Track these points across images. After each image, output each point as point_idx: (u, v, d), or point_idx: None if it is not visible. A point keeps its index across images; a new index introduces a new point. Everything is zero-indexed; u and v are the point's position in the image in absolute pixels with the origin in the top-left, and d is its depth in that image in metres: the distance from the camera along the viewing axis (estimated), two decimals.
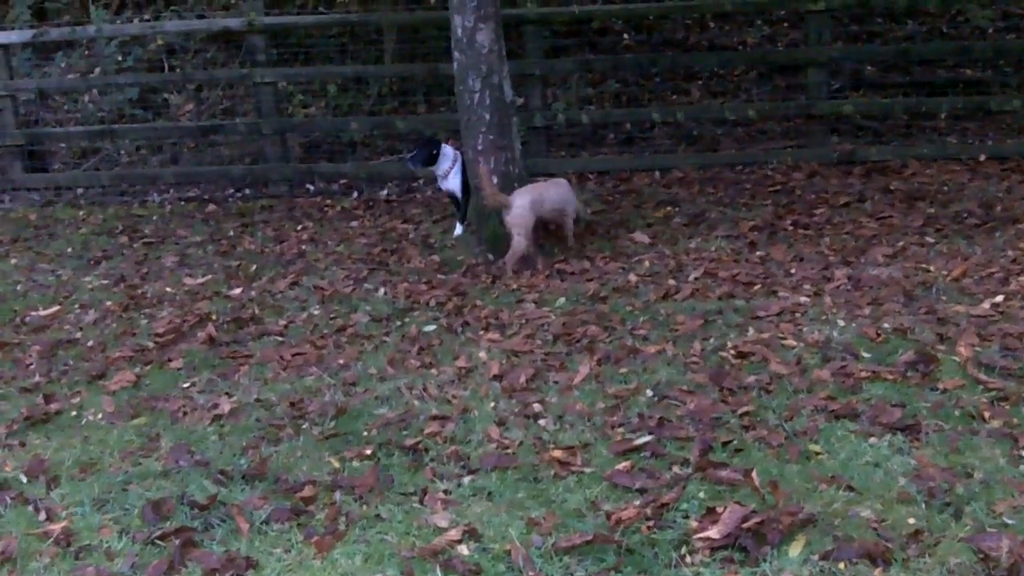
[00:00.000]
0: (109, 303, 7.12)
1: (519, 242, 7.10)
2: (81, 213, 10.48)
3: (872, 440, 4.21)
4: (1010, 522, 3.51)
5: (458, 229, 8.51)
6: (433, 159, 8.35)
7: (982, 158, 10.03)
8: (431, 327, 6.15)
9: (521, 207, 7.10)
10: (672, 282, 6.70)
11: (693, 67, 12.41)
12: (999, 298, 5.86)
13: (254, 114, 11.34)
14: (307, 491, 4.08)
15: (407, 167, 8.96)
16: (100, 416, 5.10)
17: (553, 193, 7.47)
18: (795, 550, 3.41)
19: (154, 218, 10.12)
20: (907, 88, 11.85)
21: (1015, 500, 3.63)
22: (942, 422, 4.33)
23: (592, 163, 10.82)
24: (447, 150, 8.36)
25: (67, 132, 11.76)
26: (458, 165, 8.29)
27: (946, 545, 3.39)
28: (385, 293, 6.94)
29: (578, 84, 12.05)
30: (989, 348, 5.10)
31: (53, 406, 5.23)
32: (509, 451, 4.36)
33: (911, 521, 3.55)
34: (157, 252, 8.69)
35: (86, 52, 12.71)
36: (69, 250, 8.98)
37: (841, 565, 3.30)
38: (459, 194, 8.38)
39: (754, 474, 3.89)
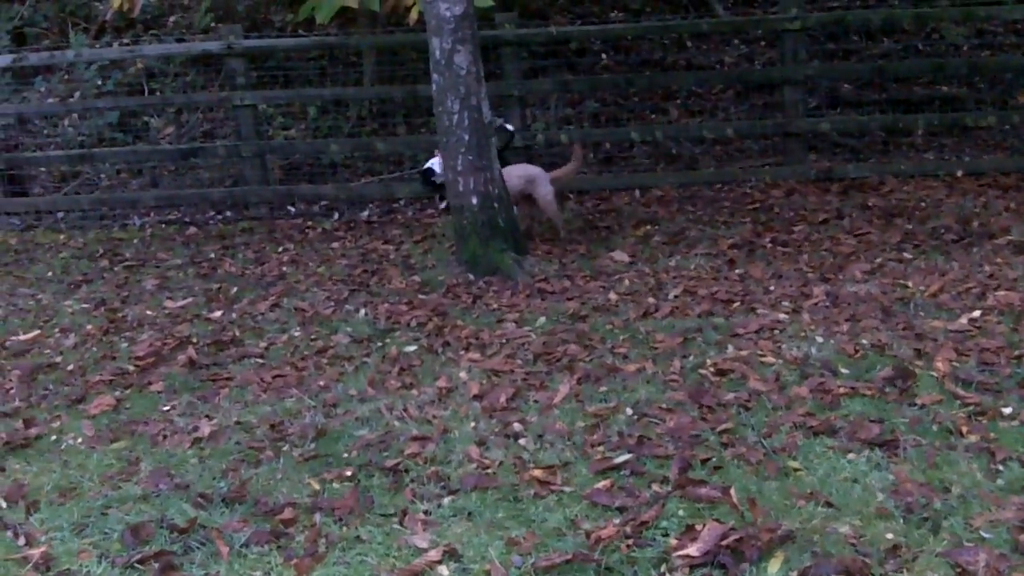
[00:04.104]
0: (89, 327, 7.11)
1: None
2: (61, 237, 10.46)
3: (850, 456, 4.23)
4: (988, 536, 3.53)
5: (443, 204, 9.00)
6: (432, 183, 8.81)
7: (959, 174, 10.10)
8: (412, 347, 6.16)
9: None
10: (652, 300, 6.72)
11: (671, 87, 12.44)
12: (976, 313, 5.90)
13: (234, 137, 11.34)
14: (287, 513, 4.07)
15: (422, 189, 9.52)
16: (80, 440, 5.08)
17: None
18: (774, 567, 3.42)
19: (135, 241, 10.11)
20: (884, 105, 11.92)
21: (993, 514, 3.65)
22: (920, 437, 4.35)
23: (571, 183, 10.83)
24: (434, 165, 8.74)
25: (47, 156, 11.73)
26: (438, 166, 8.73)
27: (924, 560, 3.41)
28: (366, 314, 6.94)
29: (557, 104, 12.08)
30: (966, 363, 5.14)
31: (33, 431, 5.21)
32: (489, 471, 4.36)
33: (889, 536, 3.57)
34: (138, 275, 8.68)
35: (66, 76, 12.70)
36: (49, 274, 8.96)
37: None
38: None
39: (733, 491, 3.91)
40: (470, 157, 7.59)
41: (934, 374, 5.01)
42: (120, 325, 7.13)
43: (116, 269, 8.99)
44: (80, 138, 12.10)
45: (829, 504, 3.83)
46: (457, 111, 7.54)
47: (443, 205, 8.97)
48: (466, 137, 7.57)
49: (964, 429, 4.39)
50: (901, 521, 3.67)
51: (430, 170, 8.88)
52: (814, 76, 11.17)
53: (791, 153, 10.68)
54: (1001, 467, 4.04)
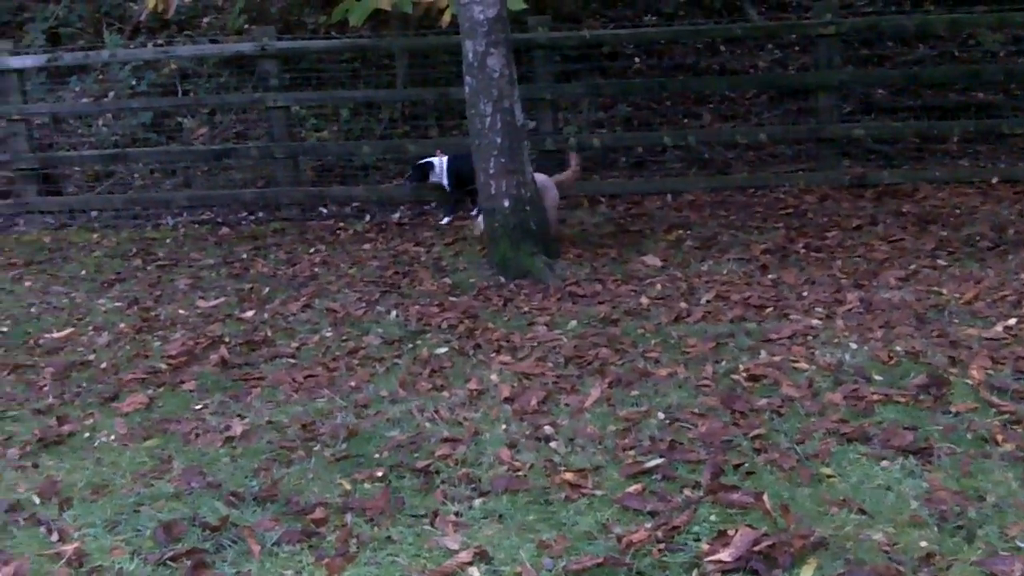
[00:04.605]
0: (122, 325, 7.14)
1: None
2: (95, 236, 10.52)
3: (884, 463, 4.20)
4: (1022, 546, 3.50)
5: (445, 219, 9.99)
6: (425, 174, 9.65)
7: (994, 181, 10.04)
8: (442, 349, 6.16)
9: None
10: (684, 305, 6.70)
11: (704, 91, 12.44)
12: (1012, 321, 5.86)
13: (266, 138, 11.40)
14: (318, 513, 4.08)
15: (406, 190, 10.34)
16: (113, 438, 5.10)
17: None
18: (806, 573, 3.41)
19: (167, 241, 10.16)
20: (918, 112, 11.87)
21: None
22: (954, 445, 4.32)
23: (603, 186, 10.85)
24: (434, 161, 9.80)
25: (81, 156, 11.82)
26: (443, 166, 9.78)
27: (958, 569, 3.38)
28: (397, 315, 6.95)
29: (589, 108, 12.09)
30: (1001, 371, 5.10)
31: (66, 428, 5.24)
32: (520, 473, 4.35)
33: (923, 544, 3.54)
34: (170, 275, 8.72)
35: (100, 76, 12.80)
36: (83, 273, 9.01)
37: None
38: (448, 188, 9.86)
39: (765, 497, 3.89)
40: (502, 160, 7.59)
41: (969, 382, 4.98)
42: (153, 324, 7.17)
43: (149, 268, 9.04)
44: (114, 138, 12.19)
45: (862, 511, 3.80)
46: (490, 114, 7.55)
47: (450, 217, 9.80)
48: (498, 140, 7.57)
49: (999, 437, 4.36)
50: (935, 529, 3.65)
51: (429, 163, 9.60)
52: (848, 81, 11.13)
53: (824, 159, 10.64)
54: None
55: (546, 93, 10.51)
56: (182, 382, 5.88)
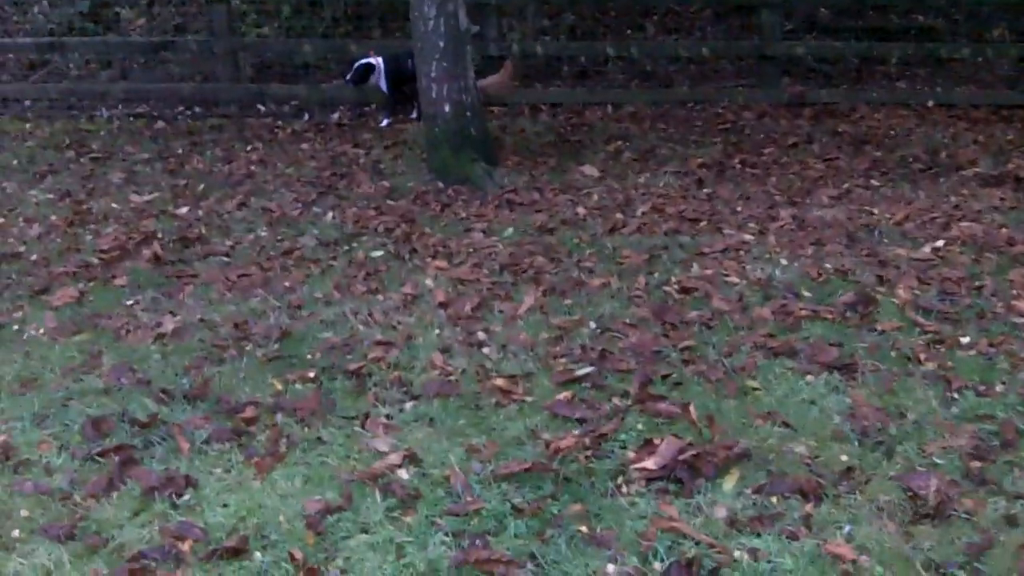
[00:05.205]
0: (54, 218, 7.06)
1: None
2: (28, 126, 10.33)
3: (809, 378, 4.27)
4: (940, 462, 3.58)
5: (384, 121, 10.02)
6: (366, 76, 9.68)
7: (930, 104, 10.13)
8: (378, 253, 6.16)
9: None
10: (620, 216, 6.73)
11: (649, 3, 12.36)
12: (940, 243, 5.95)
13: (206, 32, 11.20)
14: (249, 412, 4.08)
15: (348, 87, 10.06)
16: (42, 331, 5.06)
17: None
18: (729, 483, 3.47)
19: (102, 134, 10.00)
20: (859, 33, 11.89)
21: (945, 441, 3.71)
22: (878, 363, 4.39)
23: (546, 95, 10.79)
24: (374, 62, 9.70)
25: (15, 43, 11.56)
26: (381, 68, 9.68)
27: (877, 483, 3.46)
28: (333, 218, 6.92)
29: (534, 16, 11.97)
30: (928, 292, 5.19)
31: None
32: (452, 378, 4.38)
33: (843, 458, 3.62)
34: (104, 168, 8.60)
35: None
36: (15, 163, 8.86)
37: (773, 499, 3.36)
38: (385, 90, 9.85)
39: (692, 408, 3.95)
40: (444, 64, 7.54)
41: (895, 301, 5.05)
42: (85, 217, 7.09)
43: (82, 161, 8.91)
44: (49, 26, 11.90)
45: (786, 424, 3.87)
46: (433, 17, 7.47)
47: (388, 120, 9.84)
48: (441, 44, 7.51)
49: (922, 357, 4.44)
50: (856, 444, 3.72)
51: (370, 64, 9.57)
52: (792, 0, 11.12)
53: (765, 76, 10.66)
54: (956, 395, 4.09)
55: None
56: (114, 277, 5.84)
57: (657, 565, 3.05)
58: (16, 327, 5.14)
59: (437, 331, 4.89)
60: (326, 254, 6.19)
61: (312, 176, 8.14)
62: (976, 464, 3.54)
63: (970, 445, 3.66)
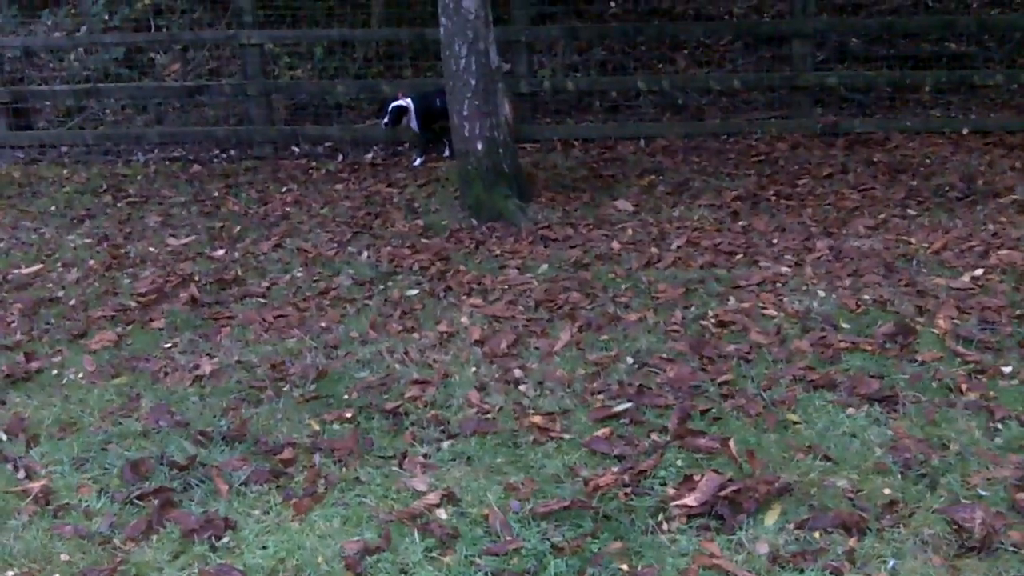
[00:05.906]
0: (92, 262, 7.11)
1: None
2: (65, 171, 10.44)
3: (849, 411, 4.24)
4: (984, 494, 3.54)
5: (417, 160, 10.04)
6: (400, 117, 9.86)
7: (965, 131, 10.06)
8: (414, 291, 6.16)
9: None
10: (655, 250, 6.71)
11: (679, 36, 12.36)
12: (978, 271, 5.90)
13: (240, 75, 11.30)
14: (287, 453, 4.09)
15: (384, 130, 10.21)
16: (81, 375, 5.09)
17: None
18: (771, 518, 3.44)
19: (138, 178, 10.09)
20: (891, 61, 11.85)
21: (990, 472, 3.67)
22: (919, 394, 4.36)
23: (577, 130, 10.81)
24: (404, 103, 9.86)
25: (52, 90, 11.68)
26: (412, 109, 9.85)
27: (920, 516, 3.42)
28: (368, 257, 6.94)
29: (564, 51, 12.01)
30: (967, 321, 5.14)
31: (34, 364, 5.22)
32: (489, 416, 4.37)
33: (886, 491, 3.58)
34: (140, 212, 8.67)
35: (72, 10, 12.62)
36: (52, 208, 8.95)
37: (816, 534, 3.33)
38: (417, 130, 9.97)
39: (731, 443, 3.92)
40: (476, 102, 7.56)
41: (935, 331, 5.01)
42: (123, 261, 7.13)
43: (119, 205, 8.98)
44: (85, 72, 12.03)
45: (827, 458, 3.84)
46: (464, 56, 7.50)
47: (422, 159, 9.95)
48: (473, 82, 7.53)
49: (964, 387, 4.40)
50: (899, 477, 3.69)
51: (402, 107, 9.73)
52: (823, 29, 11.10)
53: (798, 106, 10.63)
54: (999, 425, 4.05)
55: (522, 35, 10.44)
56: (151, 320, 5.87)
57: None
58: (55, 371, 5.17)
59: (473, 369, 4.88)
60: (361, 293, 6.20)
61: (347, 216, 8.17)
62: (1022, 495, 3.49)
63: (1015, 476, 3.62)
